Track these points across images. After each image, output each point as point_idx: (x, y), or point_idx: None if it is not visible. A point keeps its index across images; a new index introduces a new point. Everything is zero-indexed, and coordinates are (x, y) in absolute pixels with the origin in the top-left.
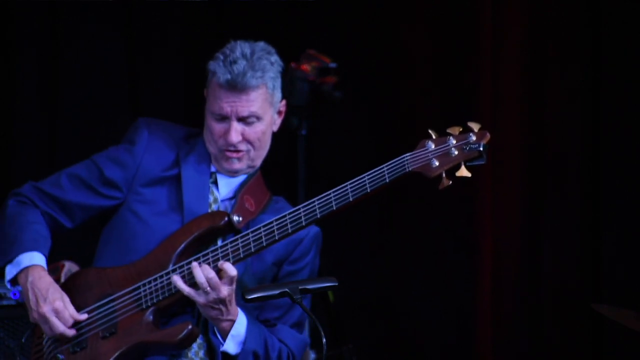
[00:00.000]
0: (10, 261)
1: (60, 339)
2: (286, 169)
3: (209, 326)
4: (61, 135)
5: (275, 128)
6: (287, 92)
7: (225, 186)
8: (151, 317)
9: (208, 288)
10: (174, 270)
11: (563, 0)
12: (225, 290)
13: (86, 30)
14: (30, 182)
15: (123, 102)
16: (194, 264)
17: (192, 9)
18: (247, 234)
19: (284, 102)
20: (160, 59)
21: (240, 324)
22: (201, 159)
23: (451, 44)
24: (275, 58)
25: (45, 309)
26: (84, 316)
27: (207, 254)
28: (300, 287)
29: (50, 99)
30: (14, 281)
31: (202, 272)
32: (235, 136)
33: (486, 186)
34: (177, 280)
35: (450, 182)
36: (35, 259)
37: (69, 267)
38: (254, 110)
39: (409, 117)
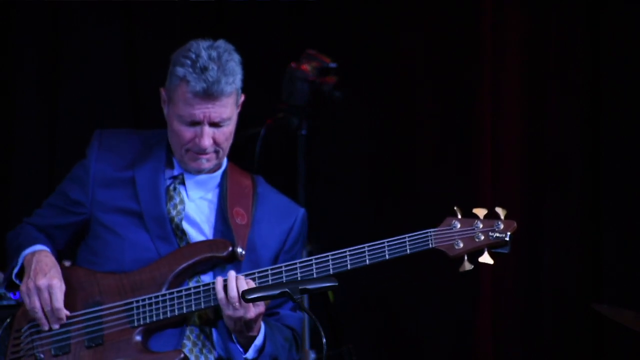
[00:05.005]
0: (17, 264)
1: (41, 336)
2: (286, 169)
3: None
4: (61, 135)
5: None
6: (287, 92)
7: (195, 186)
8: (140, 337)
9: (237, 304)
10: (171, 293)
11: (563, 1)
12: (252, 312)
13: (86, 30)
14: (24, 218)
15: (123, 102)
16: (232, 274)
17: (192, 9)
18: (295, 264)
19: (243, 96)
20: (160, 58)
21: (260, 334)
22: (160, 160)
23: (451, 45)
24: (238, 57)
25: (42, 282)
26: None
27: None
28: (300, 287)
29: (50, 99)
30: (20, 275)
31: (237, 285)
32: (207, 141)
33: (486, 186)
34: (218, 282)
35: (472, 266)
36: (40, 247)
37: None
38: (226, 115)
39: (409, 117)
